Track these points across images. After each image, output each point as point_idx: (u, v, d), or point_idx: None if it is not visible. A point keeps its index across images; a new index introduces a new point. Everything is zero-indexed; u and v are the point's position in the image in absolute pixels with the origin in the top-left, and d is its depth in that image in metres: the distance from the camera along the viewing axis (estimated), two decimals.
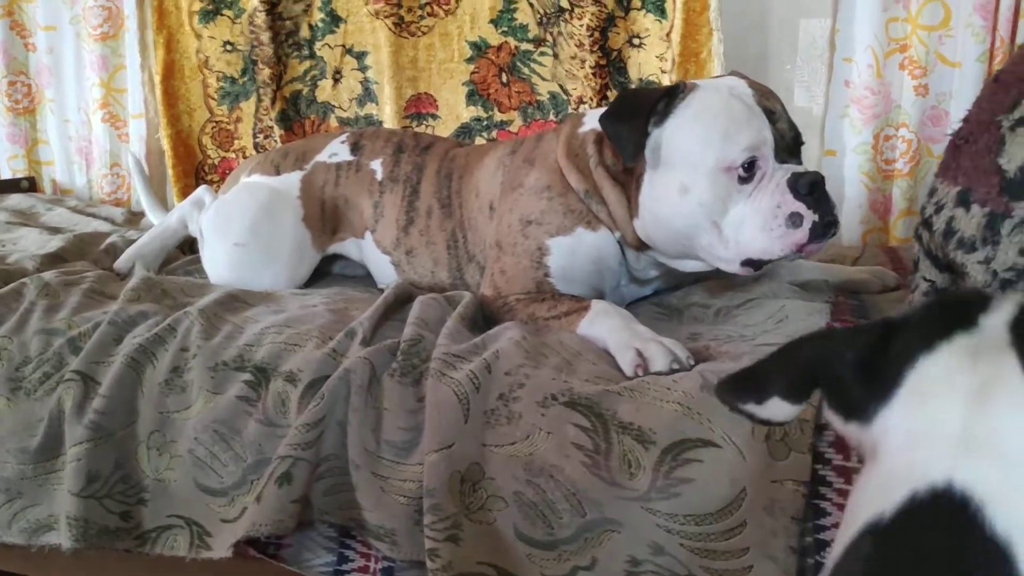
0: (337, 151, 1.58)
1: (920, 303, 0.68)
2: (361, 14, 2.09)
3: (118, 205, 2.32)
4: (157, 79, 2.22)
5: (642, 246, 1.28)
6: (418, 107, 2.10)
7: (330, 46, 2.13)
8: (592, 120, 1.33)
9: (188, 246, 1.74)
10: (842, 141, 1.87)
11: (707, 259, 1.22)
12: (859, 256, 1.64)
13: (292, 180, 1.55)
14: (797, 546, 0.90)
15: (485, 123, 2.07)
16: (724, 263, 1.20)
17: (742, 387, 0.62)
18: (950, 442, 0.50)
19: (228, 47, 2.19)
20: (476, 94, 2.07)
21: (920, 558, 0.48)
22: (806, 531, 0.92)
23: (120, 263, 1.59)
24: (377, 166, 1.54)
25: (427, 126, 2.10)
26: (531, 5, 1.99)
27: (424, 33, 2.07)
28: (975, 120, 1.05)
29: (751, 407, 0.61)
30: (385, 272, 1.52)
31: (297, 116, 2.19)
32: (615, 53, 1.96)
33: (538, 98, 2.04)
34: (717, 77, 1.32)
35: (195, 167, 2.27)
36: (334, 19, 2.11)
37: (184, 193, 2.15)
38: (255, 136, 2.22)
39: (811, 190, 1.14)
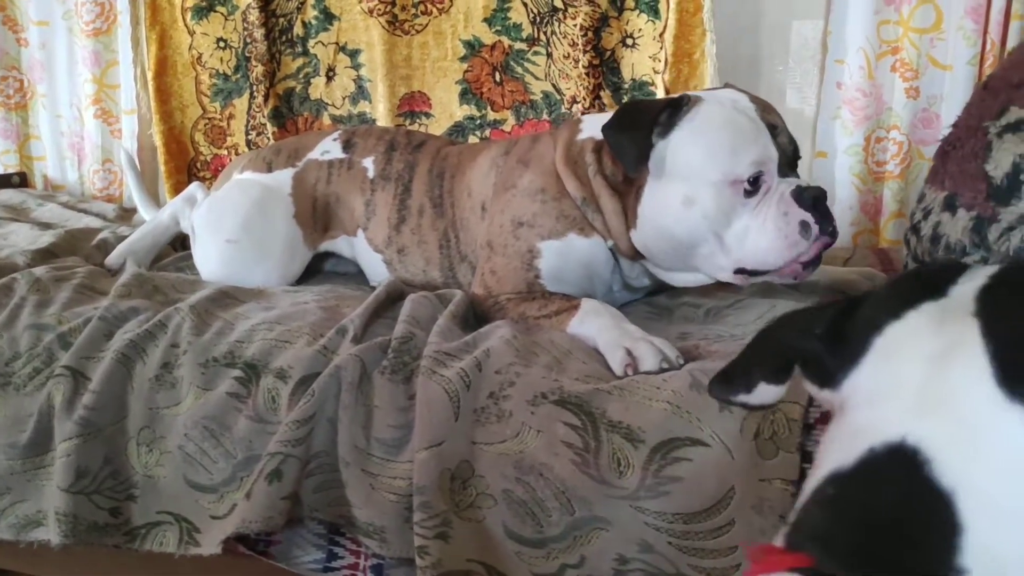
0: (329, 149, 1.58)
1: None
2: (355, 12, 2.09)
3: (110, 201, 2.32)
4: (150, 75, 2.21)
5: (636, 255, 1.28)
6: (411, 105, 2.10)
7: (323, 43, 2.13)
8: (590, 126, 1.33)
9: (180, 242, 1.73)
10: (833, 143, 1.87)
11: (703, 268, 1.23)
12: (849, 257, 1.65)
13: (284, 177, 1.55)
14: None
15: (478, 122, 2.07)
16: (720, 271, 1.21)
17: (730, 380, 0.66)
18: (908, 401, 0.54)
19: (221, 44, 2.19)
20: (469, 93, 2.07)
21: (873, 504, 0.52)
22: None
23: (111, 259, 1.59)
24: (369, 164, 1.54)
25: (420, 124, 2.10)
26: (525, 4, 2.00)
27: (418, 31, 2.07)
28: (963, 126, 1.06)
29: (743, 397, 0.65)
30: (377, 270, 1.52)
31: (290, 113, 2.19)
32: (608, 53, 1.97)
33: (531, 97, 2.04)
34: (715, 89, 1.32)
35: (187, 163, 2.27)
36: (328, 16, 2.11)
37: (176, 189, 2.15)
38: (248, 133, 2.21)
39: (815, 204, 1.16)
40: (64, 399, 1.20)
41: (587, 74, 1.95)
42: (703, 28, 1.87)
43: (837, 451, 0.56)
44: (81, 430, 1.17)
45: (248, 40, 2.15)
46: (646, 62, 1.94)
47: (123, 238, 1.67)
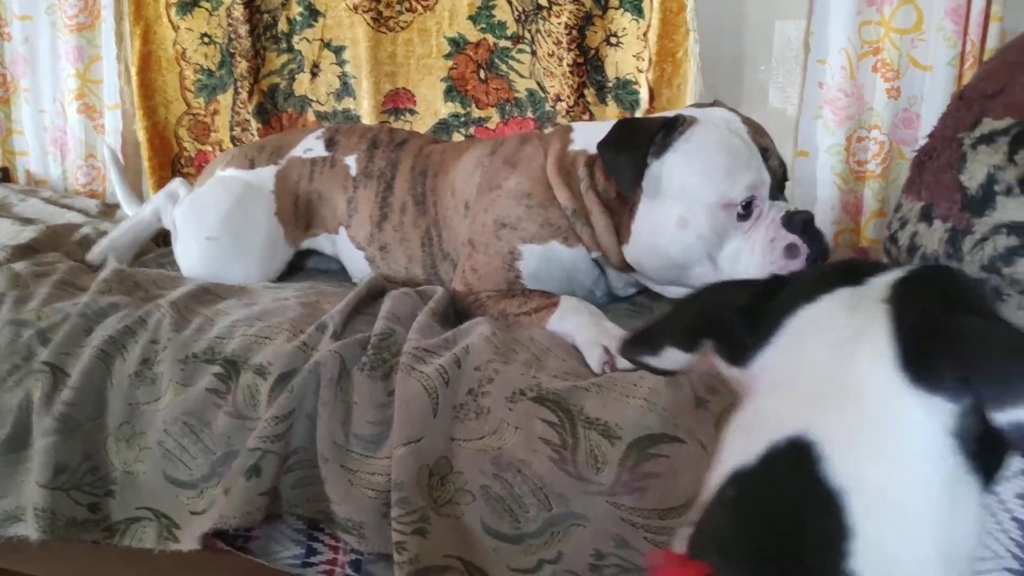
0: (312, 147, 1.58)
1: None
2: (340, 8, 2.08)
3: (93, 197, 2.30)
4: (133, 70, 2.20)
5: (627, 268, 1.29)
6: (396, 102, 2.10)
7: (308, 40, 2.12)
8: (581, 138, 1.33)
9: (163, 238, 1.73)
10: (815, 142, 1.88)
11: (696, 286, 1.24)
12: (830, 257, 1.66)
13: (266, 174, 1.55)
14: None
15: (463, 119, 2.08)
16: None
17: (641, 341, 0.66)
18: (810, 392, 0.53)
19: (205, 39, 2.18)
20: (454, 90, 2.07)
21: (772, 508, 0.51)
22: None
23: (93, 255, 1.58)
24: (351, 162, 1.54)
25: (405, 121, 2.10)
26: (509, 2, 2.00)
27: (403, 28, 2.07)
28: (939, 136, 1.07)
29: (648, 358, 0.65)
30: (359, 267, 1.52)
31: (274, 109, 2.18)
32: (592, 51, 1.97)
33: (516, 95, 2.04)
34: (705, 106, 1.32)
35: (171, 159, 2.26)
36: (312, 13, 2.10)
37: (160, 185, 2.14)
38: (232, 129, 2.21)
39: (804, 227, 1.17)
40: (43, 395, 1.20)
41: (571, 72, 1.95)
42: (686, 27, 1.87)
43: (742, 443, 0.54)
44: (60, 426, 1.17)
45: (232, 36, 2.14)
46: (630, 61, 1.94)
47: (104, 234, 1.66)
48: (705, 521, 0.54)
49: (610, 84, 1.97)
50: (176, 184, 1.68)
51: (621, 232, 1.26)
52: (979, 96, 1.02)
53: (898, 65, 1.79)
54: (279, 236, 1.51)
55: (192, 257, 1.50)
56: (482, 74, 2.05)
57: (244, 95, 2.15)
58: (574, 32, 1.94)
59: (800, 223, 1.17)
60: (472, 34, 2.03)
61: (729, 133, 1.20)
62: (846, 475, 0.48)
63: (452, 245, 1.43)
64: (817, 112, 1.87)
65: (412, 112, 2.10)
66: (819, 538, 0.48)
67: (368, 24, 2.05)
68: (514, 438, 1.02)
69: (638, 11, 1.91)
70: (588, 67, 1.97)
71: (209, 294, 1.34)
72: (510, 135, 1.71)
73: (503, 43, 2.02)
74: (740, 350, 0.59)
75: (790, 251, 1.17)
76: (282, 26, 2.13)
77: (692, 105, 1.47)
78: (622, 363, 1.07)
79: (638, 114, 1.93)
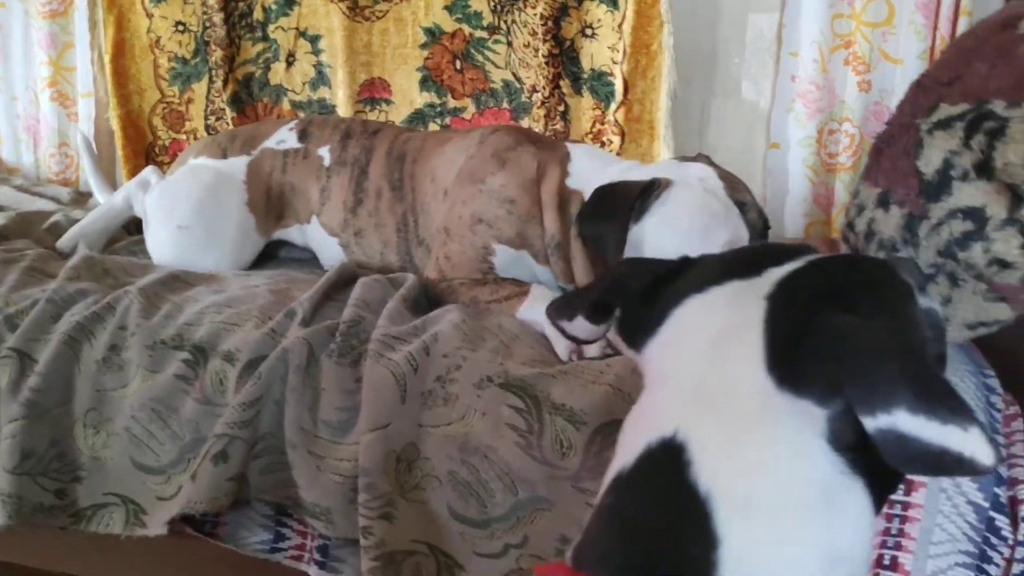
0: (285, 138, 1.57)
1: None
2: None
3: (66, 185, 2.28)
4: (107, 58, 2.18)
5: None
6: (371, 92, 2.10)
7: (283, 29, 2.11)
8: (579, 173, 1.32)
9: (135, 226, 1.72)
10: (787, 135, 1.90)
11: None
12: None
13: (239, 164, 1.54)
14: None
15: (438, 109, 2.08)
16: None
17: (562, 306, 0.65)
18: (686, 386, 0.51)
19: (180, 27, 2.17)
20: (430, 80, 2.07)
21: (645, 516, 0.48)
22: None
23: (63, 242, 1.57)
24: (325, 153, 1.54)
25: (380, 111, 2.10)
26: None
27: (378, 18, 2.06)
28: (897, 123, 1.08)
29: (563, 323, 0.64)
30: (332, 254, 1.52)
31: (249, 99, 2.17)
32: (568, 42, 1.98)
33: (491, 85, 2.04)
34: (686, 160, 1.31)
35: (145, 148, 2.24)
36: (288, 2, 2.09)
37: (134, 174, 2.12)
38: (207, 118, 2.20)
39: None
40: (10, 381, 1.19)
41: (547, 63, 1.96)
42: (661, 19, 1.88)
43: (627, 443, 0.52)
44: (27, 412, 1.17)
45: (207, 24, 2.13)
46: (605, 52, 1.95)
47: (75, 221, 1.65)
48: (588, 530, 0.52)
49: (585, 75, 1.98)
50: (148, 172, 1.67)
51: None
52: (935, 83, 1.03)
53: (869, 58, 1.81)
54: (250, 226, 1.51)
55: (163, 245, 1.49)
56: (458, 64, 2.05)
57: (219, 84, 2.14)
58: (550, 23, 1.95)
59: None
60: (448, 24, 2.04)
61: (704, 192, 1.20)
62: (713, 480, 0.46)
63: (428, 231, 1.43)
64: (789, 105, 1.89)
65: (388, 102, 2.10)
66: (688, 548, 0.46)
67: (344, 13, 2.05)
68: (481, 424, 1.03)
69: (613, 3, 1.92)
70: (563, 58, 1.98)
71: (178, 281, 1.34)
72: (501, 124, 1.72)
73: (479, 33, 2.02)
74: (636, 334, 0.57)
75: None
76: (257, 15, 2.12)
77: (675, 158, 1.48)
78: (589, 351, 1.08)
79: (613, 106, 1.94)
